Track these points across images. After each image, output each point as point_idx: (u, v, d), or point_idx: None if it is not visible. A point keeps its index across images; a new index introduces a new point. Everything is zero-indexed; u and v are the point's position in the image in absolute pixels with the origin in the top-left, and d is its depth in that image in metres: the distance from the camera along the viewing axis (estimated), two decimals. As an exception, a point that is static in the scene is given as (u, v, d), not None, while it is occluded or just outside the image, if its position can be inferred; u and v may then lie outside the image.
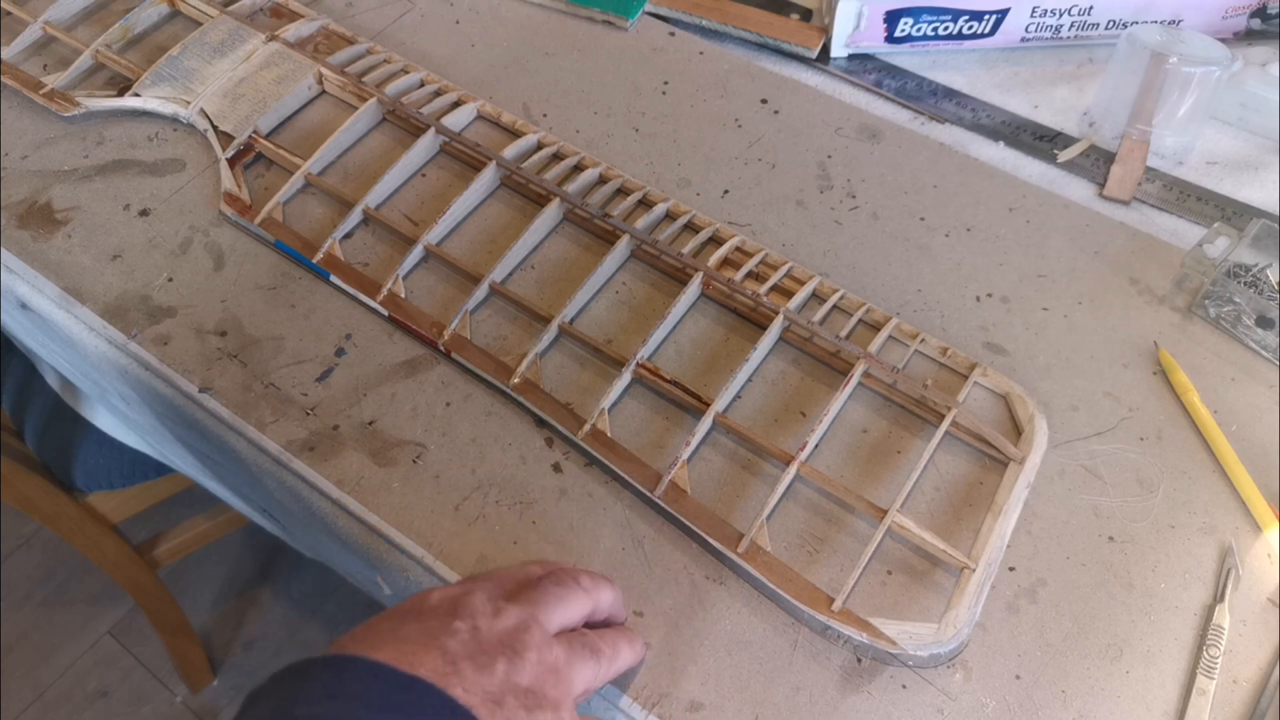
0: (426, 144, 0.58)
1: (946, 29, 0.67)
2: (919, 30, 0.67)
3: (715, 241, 0.55)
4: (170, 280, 0.54)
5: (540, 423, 0.49)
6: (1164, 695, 0.41)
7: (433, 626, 0.34)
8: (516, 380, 0.49)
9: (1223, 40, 0.63)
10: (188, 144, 0.60)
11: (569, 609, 0.38)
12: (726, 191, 0.59)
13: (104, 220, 0.57)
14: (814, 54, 0.67)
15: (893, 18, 0.66)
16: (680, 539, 0.45)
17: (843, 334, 0.50)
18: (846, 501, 0.45)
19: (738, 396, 0.50)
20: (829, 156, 0.61)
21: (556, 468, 0.47)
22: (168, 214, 0.57)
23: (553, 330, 0.51)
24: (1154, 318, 0.53)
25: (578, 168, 0.58)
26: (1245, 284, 0.52)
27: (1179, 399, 0.50)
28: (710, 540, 0.44)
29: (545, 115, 0.62)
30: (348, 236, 0.56)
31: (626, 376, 0.49)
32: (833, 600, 0.42)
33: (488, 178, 0.57)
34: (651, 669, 0.41)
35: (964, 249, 0.56)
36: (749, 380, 0.50)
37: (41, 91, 0.61)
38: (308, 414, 0.49)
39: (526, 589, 0.37)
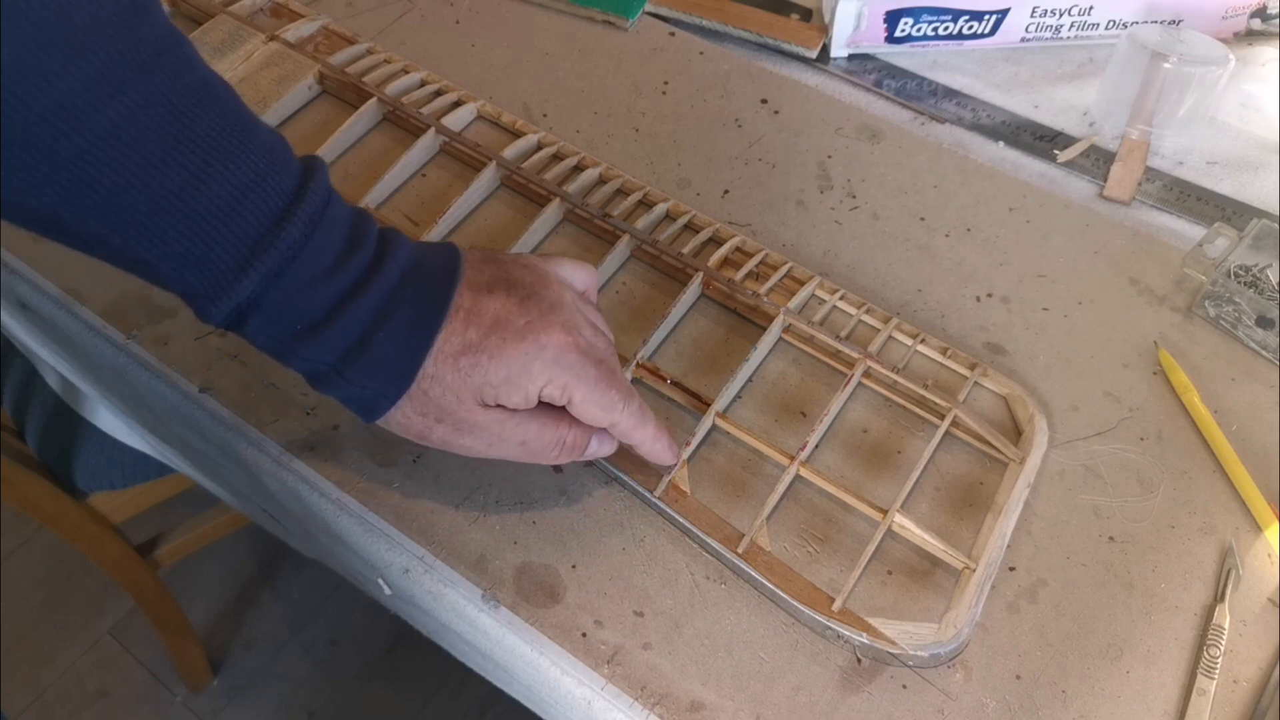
0: (426, 144, 0.58)
1: (946, 29, 0.67)
2: (919, 30, 0.67)
3: (715, 241, 0.55)
4: (170, 280, 0.54)
5: (540, 423, 0.49)
6: (1164, 695, 0.41)
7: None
8: (516, 380, 0.49)
9: (1223, 40, 0.63)
10: (188, 144, 0.60)
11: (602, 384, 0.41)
12: (726, 191, 0.59)
13: (104, 220, 0.57)
14: (814, 54, 0.67)
15: (893, 18, 0.66)
16: (680, 539, 0.45)
17: (843, 334, 0.50)
18: (846, 501, 0.45)
19: (738, 396, 0.50)
20: (829, 156, 0.61)
21: (556, 468, 0.47)
22: (168, 214, 0.57)
23: (553, 330, 0.50)
24: (1154, 318, 0.53)
25: (578, 168, 0.58)
26: (1245, 284, 0.52)
27: (1179, 399, 0.50)
28: (710, 540, 0.44)
29: (545, 115, 0.62)
30: (348, 236, 0.56)
31: (626, 376, 0.49)
32: (833, 600, 0.42)
33: (488, 178, 0.56)
34: (652, 669, 0.41)
35: (964, 249, 0.56)
36: (749, 380, 0.50)
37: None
38: (308, 414, 0.49)
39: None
